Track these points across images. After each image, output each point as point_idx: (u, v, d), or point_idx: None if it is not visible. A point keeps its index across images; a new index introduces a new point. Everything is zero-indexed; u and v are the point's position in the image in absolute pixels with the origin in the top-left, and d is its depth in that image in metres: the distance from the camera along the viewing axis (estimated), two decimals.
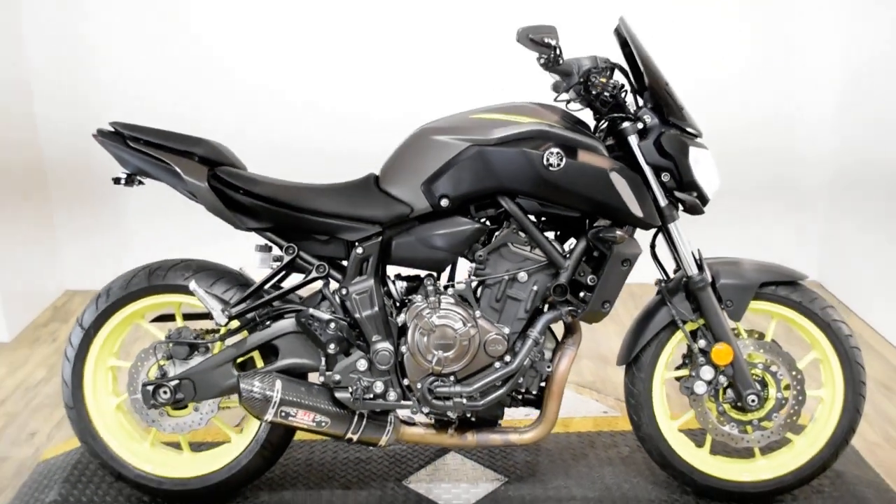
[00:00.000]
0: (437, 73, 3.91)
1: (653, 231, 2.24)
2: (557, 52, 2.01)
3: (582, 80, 2.07)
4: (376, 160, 2.24)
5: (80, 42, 3.85)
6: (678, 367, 2.34)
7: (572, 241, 2.19)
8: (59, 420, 2.98)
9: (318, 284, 2.21)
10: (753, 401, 2.22)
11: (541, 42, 1.98)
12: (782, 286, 2.26)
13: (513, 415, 2.61)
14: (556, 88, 2.19)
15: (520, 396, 2.27)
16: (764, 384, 2.27)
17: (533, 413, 2.31)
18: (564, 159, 2.04)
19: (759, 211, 4.18)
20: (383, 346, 2.14)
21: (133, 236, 4.04)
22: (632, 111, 2.15)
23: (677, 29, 3.93)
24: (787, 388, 2.29)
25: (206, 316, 2.29)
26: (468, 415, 2.21)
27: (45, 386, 3.24)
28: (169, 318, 2.35)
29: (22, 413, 3.05)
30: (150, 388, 2.18)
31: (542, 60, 2.04)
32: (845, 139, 3.98)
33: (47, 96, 3.87)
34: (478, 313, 2.15)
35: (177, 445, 2.42)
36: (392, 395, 2.17)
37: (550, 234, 2.21)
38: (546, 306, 2.19)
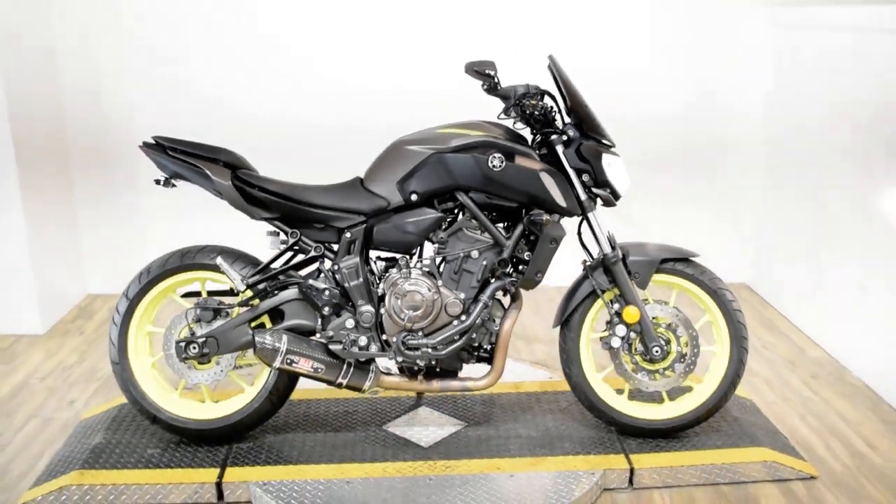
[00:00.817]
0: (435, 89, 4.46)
1: (577, 221, 2.87)
2: (496, 80, 2.66)
3: (517, 102, 2.71)
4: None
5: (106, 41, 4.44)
6: (602, 332, 2.95)
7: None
8: (93, 391, 3.55)
9: (316, 264, 2.82)
10: (657, 351, 2.83)
11: (482, 72, 2.62)
12: (679, 262, 2.88)
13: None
14: (505, 111, 2.82)
15: (475, 353, 2.87)
16: (667, 341, 2.89)
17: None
18: (504, 162, 2.67)
19: (695, 221, 4.81)
20: (367, 309, 2.74)
21: (146, 249, 4.60)
22: (559, 127, 2.79)
23: (620, 33, 4.55)
24: (686, 343, 2.89)
25: (226, 293, 2.90)
26: (433, 363, 2.81)
27: (77, 367, 3.79)
28: (195, 294, 2.94)
29: (61, 387, 3.60)
30: (183, 344, 2.76)
31: (484, 87, 2.69)
32: (770, 161, 4.65)
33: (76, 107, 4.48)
34: (440, 283, 2.76)
35: (200, 399, 2.99)
36: (373, 347, 2.76)
37: (501, 225, 2.84)
38: (493, 278, 2.80)
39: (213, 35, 4.47)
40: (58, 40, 4.37)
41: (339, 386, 2.78)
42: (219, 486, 2.71)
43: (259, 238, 2.92)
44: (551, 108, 2.78)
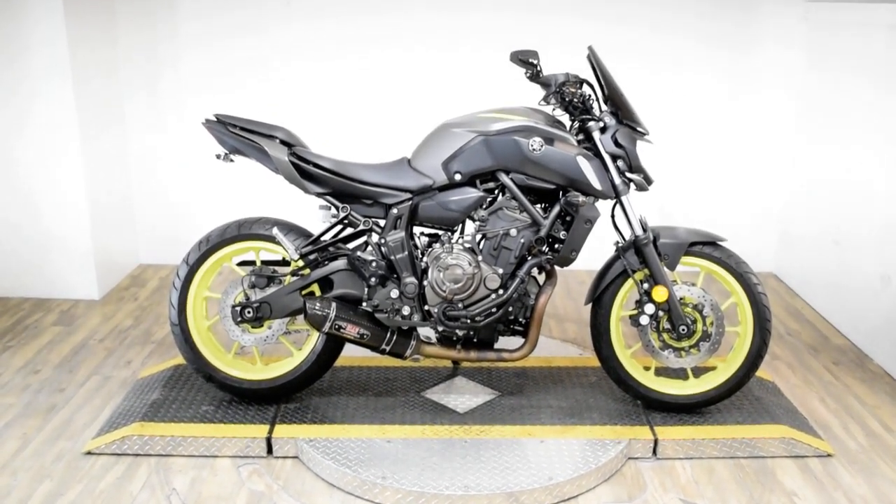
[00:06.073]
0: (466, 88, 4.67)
1: (611, 204, 3.02)
2: (538, 68, 2.81)
3: (557, 90, 2.86)
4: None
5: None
6: (631, 310, 3.10)
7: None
8: (148, 353, 3.77)
9: (364, 237, 3.00)
10: (684, 329, 2.98)
11: (526, 61, 2.78)
12: (707, 245, 3.02)
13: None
14: (546, 98, 2.97)
15: (511, 326, 3.04)
16: (694, 320, 3.03)
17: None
18: (544, 146, 2.83)
19: (724, 214, 4.94)
20: (410, 281, 2.92)
21: (191, 226, 4.83)
22: (596, 114, 2.94)
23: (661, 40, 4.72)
24: (711, 323, 3.04)
25: (279, 262, 3.09)
26: (471, 334, 2.98)
27: (133, 330, 4.03)
28: (249, 263, 3.14)
29: (118, 348, 3.83)
30: (238, 307, 2.96)
31: (527, 74, 2.85)
32: (799, 154, 4.75)
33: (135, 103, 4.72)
34: (480, 258, 2.93)
35: (252, 361, 3.20)
36: (416, 317, 2.94)
37: (539, 205, 2.99)
38: (530, 255, 2.96)
39: None
40: None
41: (383, 352, 2.96)
42: (269, 440, 2.91)
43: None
44: (589, 96, 2.93)
